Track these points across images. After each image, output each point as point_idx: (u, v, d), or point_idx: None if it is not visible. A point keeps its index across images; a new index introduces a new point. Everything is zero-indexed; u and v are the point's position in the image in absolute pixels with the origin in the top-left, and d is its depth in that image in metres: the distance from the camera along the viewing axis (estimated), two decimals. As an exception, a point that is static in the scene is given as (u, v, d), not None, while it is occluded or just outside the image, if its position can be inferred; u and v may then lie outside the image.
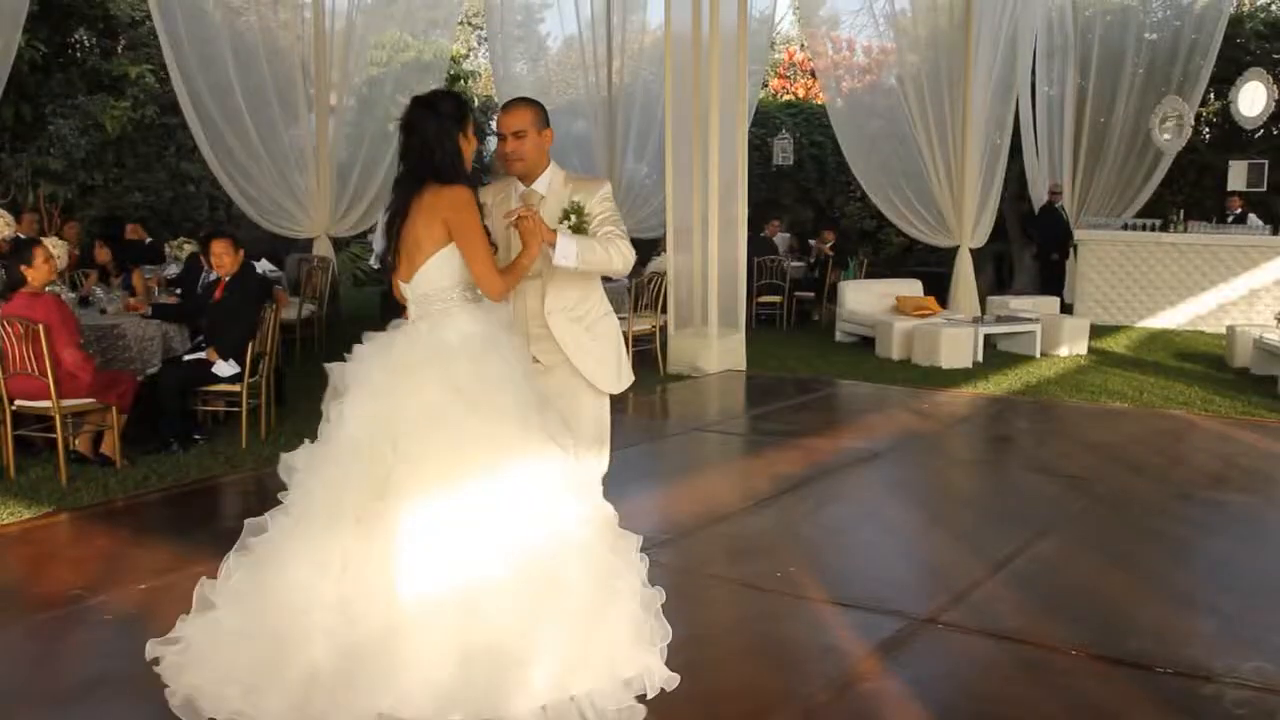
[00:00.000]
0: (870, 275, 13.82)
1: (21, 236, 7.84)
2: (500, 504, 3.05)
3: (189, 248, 9.79)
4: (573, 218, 3.56)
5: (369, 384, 3.16)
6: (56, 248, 7.02)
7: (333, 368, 3.27)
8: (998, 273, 15.90)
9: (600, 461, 3.79)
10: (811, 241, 14.52)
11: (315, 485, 3.09)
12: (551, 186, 3.64)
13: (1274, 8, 15.40)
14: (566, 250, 3.42)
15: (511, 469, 3.09)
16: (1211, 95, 14.62)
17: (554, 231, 3.43)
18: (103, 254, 9.32)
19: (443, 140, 3.24)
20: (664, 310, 9.70)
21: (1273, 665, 3.54)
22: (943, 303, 11.74)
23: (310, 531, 3.03)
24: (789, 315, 13.07)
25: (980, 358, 10.18)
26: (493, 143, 19.16)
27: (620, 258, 3.56)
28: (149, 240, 10.52)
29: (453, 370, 3.14)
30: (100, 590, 4.24)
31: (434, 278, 3.25)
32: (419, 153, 3.26)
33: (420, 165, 3.26)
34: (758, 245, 13.10)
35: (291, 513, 3.11)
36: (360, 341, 3.30)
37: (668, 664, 3.39)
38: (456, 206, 3.21)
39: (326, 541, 3.01)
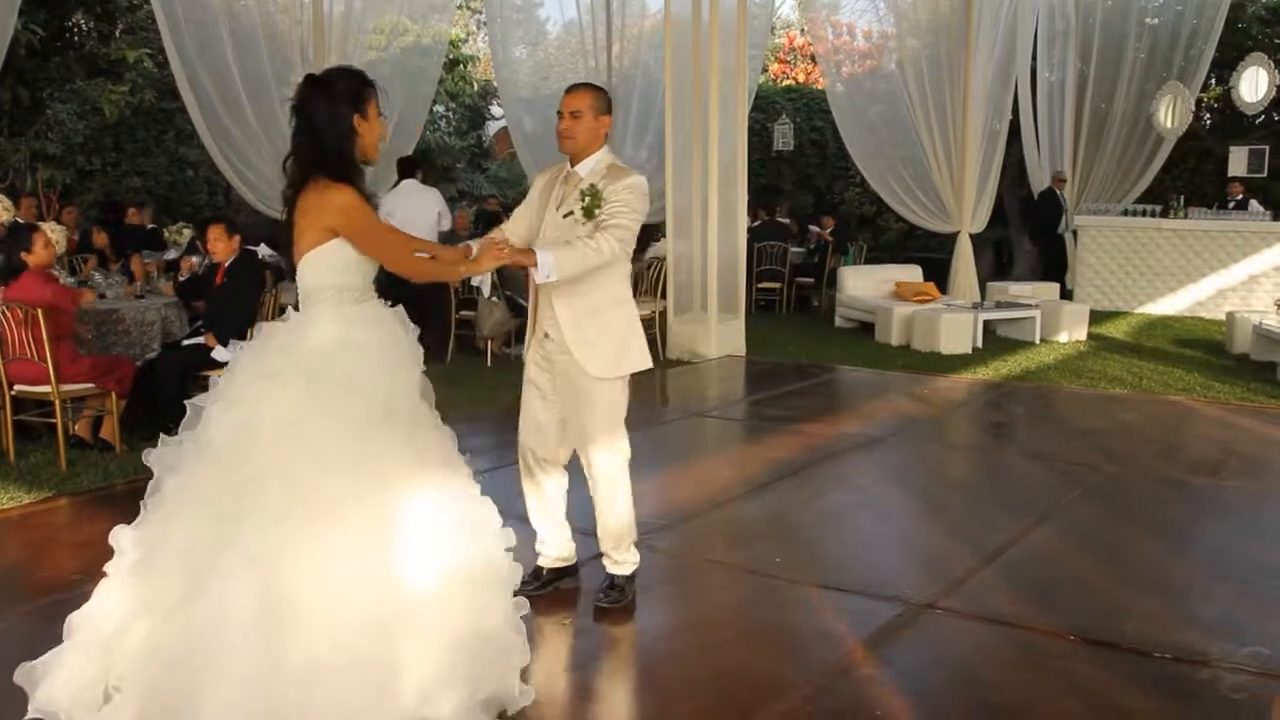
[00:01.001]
0: (870, 261, 13.83)
1: (20, 221, 7.82)
2: (360, 527, 2.90)
3: (187, 233, 9.78)
4: (585, 199, 3.64)
5: (233, 391, 3.06)
6: (55, 232, 7.02)
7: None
8: (997, 258, 15.89)
9: (614, 448, 3.82)
10: (812, 228, 14.51)
11: (171, 486, 3.02)
12: (593, 171, 3.73)
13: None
14: (546, 266, 3.50)
15: (369, 492, 2.94)
16: (1213, 81, 14.58)
17: (533, 253, 3.51)
18: (100, 238, 9.31)
19: (334, 123, 3.08)
20: (663, 296, 9.70)
21: (1269, 650, 3.55)
22: (942, 288, 11.74)
23: (167, 530, 2.96)
24: (789, 301, 13.07)
25: (980, 343, 10.18)
26: (492, 128, 19.20)
27: (595, 253, 3.58)
28: (150, 226, 10.51)
29: (314, 382, 3.01)
30: (100, 574, 4.23)
31: (311, 274, 3.13)
32: (307, 136, 3.10)
33: (307, 150, 3.10)
34: (769, 228, 13.15)
35: (158, 510, 3.03)
36: None
37: (670, 645, 3.39)
38: (346, 212, 3.06)
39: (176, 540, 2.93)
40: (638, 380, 3.93)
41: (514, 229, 3.89)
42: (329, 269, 3.12)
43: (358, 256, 3.15)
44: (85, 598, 4.06)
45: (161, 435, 3.14)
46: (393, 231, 3.21)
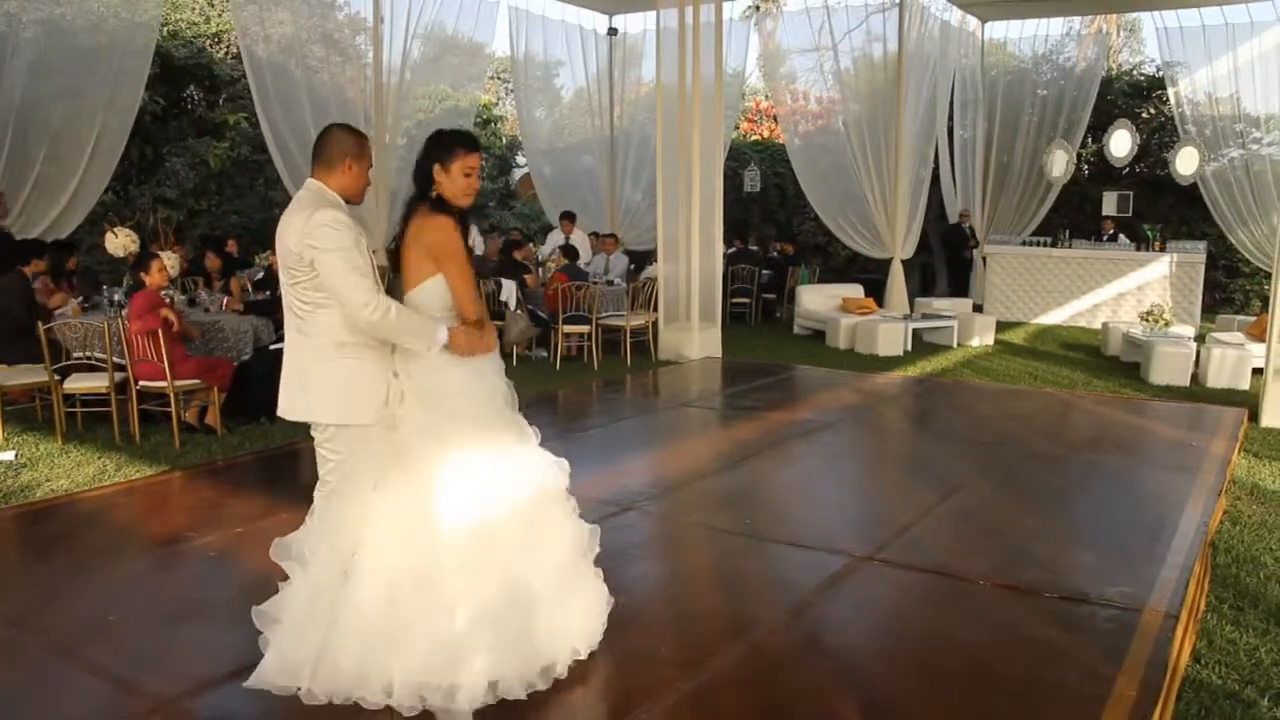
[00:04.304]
0: (822, 280, 13.81)
1: (146, 251, 7.80)
2: (492, 482, 2.86)
3: (272, 258, 9.74)
4: None
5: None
6: (169, 259, 7.01)
7: None
8: (923, 278, 15.90)
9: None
10: (775, 254, 14.51)
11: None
12: None
13: (1134, 73, 15.70)
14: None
15: (487, 460, 2.88)
16: (1089, 139, 14.73)
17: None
18: (214, 262, 9.28)
19: (422, 169, 2.93)
20: (655, 308, 9.68)
21: (1134, 590, 3.55)
22: (880, 303, 11.72)
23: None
24: (757, 312, 13.06)
25: (909, 347, 10.18)
26: (517, 174, 19.11)
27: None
28: (236, 255, 10.50)
29: (435, 394, 2.92)
30: (205, 532, 4.23)
31: (422, 302, 2.93)
32: (414, 181, 2.98)
33: (416, 192, 2.98)
34: (741, 254, 13.19)
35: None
36: None
37: (657, 591, 3.35)
38: (438, 232, 2.88)
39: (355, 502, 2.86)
40: (636, 377, 3.89)
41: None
42: (437, 297, 2.93)
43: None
44: (193, 549, 4.06)
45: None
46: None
